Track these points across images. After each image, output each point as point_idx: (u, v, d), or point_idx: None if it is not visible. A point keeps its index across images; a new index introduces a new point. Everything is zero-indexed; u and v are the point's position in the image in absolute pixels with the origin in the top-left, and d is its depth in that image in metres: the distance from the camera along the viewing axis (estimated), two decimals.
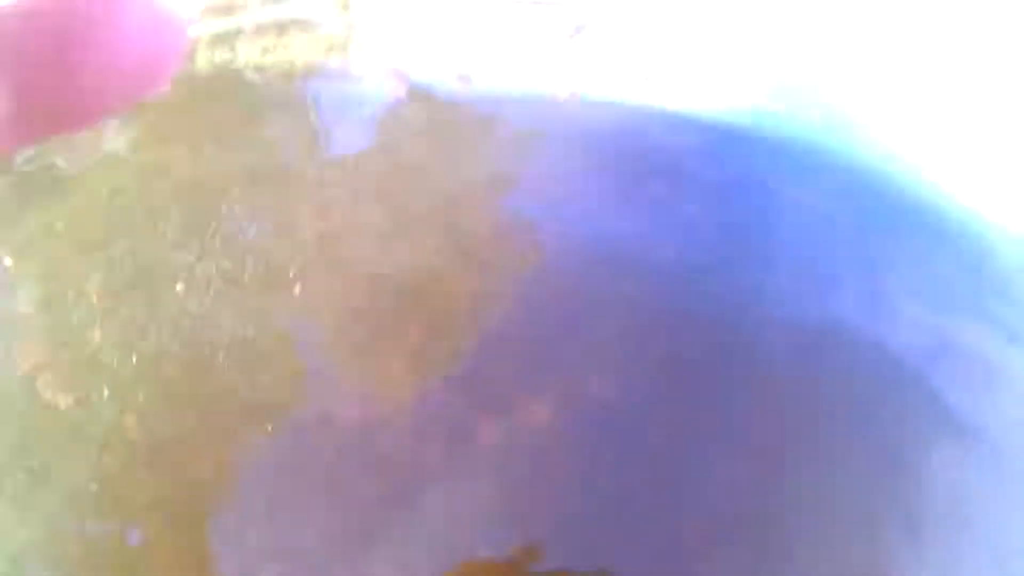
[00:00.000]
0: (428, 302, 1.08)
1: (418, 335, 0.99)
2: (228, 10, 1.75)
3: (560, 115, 1.55)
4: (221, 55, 1.67)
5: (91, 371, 0.78)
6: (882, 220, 1.25)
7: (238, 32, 1.57)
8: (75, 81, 0.24)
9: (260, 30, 1.71)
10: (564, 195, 1.33)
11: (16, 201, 1.07)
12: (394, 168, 1.31)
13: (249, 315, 0.81)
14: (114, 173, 1.23)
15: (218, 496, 0.69)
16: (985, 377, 0.97)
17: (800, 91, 1.73)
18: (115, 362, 0.78)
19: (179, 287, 0.86)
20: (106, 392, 0.74)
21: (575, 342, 1.16)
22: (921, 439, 0.93)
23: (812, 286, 1.22)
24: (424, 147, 1.33)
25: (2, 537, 0.68)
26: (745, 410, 1.02)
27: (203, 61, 1.56)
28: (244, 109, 1.37)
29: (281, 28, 1.91)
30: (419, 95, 1.44)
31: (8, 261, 0.93)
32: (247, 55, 1.77)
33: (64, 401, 0.76)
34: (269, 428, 0.75)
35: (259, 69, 1.68)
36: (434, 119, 1.45)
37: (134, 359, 0.77)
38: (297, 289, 0.86)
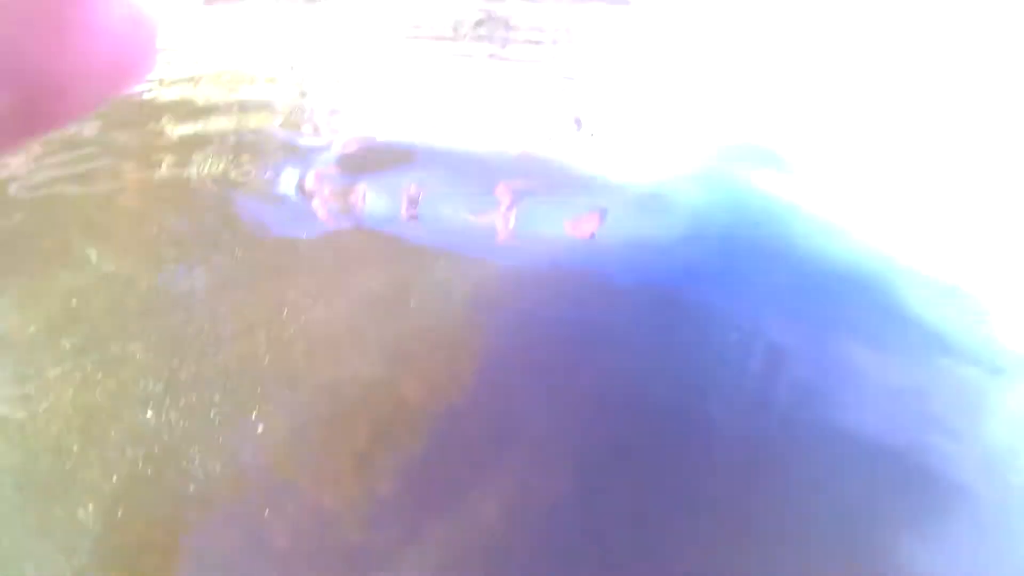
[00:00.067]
0: (376, 408, 1.44)
1: (367, 438, 1.34)
2: (196, 115, 2.16)
3: (500, 245, 2.08)
4: (188, 164, 2.07)
5: (74, 484, 1.04)
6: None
7: (204, 142, 1.97)
8: (48, 77, 0.21)
9: (222, 142, 2.12)
10: (504, 306, 1.80)
11: None
12: (344, 283, 1.76)
13: (216, 450, 1.12)
14: (83, 280, 1.49)
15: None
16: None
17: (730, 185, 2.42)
18: (97, 476, 1.05)
19: (149, 414, 1.15)
20: (91, 506, 1.02)
21: (519, 442, 1.51)
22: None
23: (757, 370, 1.64)
24: (373, 265, 1.77)
25: None
26: (697, 500, 1.35)
27: (167, 168, 1.93)
28: (205, 217, 1.72)
29: (243, 107, 2.36)
30: (369, 219, 1.93)
31: None
32: (210, 166, 2.17)
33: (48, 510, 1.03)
34: (229, 520, 1.06)
35: (219, 180, 2.09)
36: (382, 241, 1.90)
37: (114, 479, 1.03)
38: (260, 428, 1.19)
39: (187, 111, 2.64)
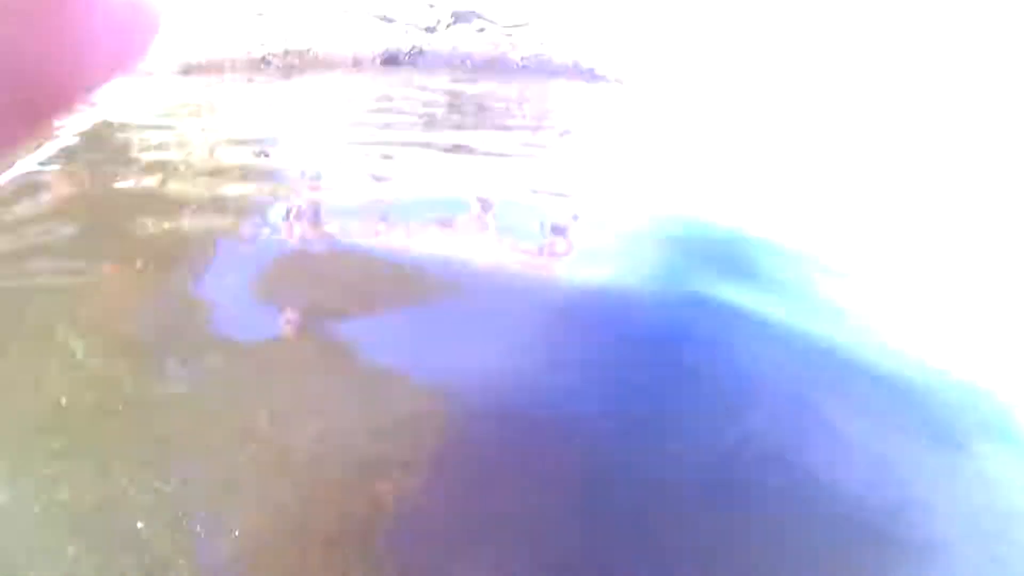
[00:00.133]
0: (343, 478, 1.60)
1: (336, 518, 1.49)
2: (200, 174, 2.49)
3: (477, 286, 2.31)
4: (166, 259, 2.35)
5: None
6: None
7: (181, 239, 2.25)
8: (46, 71, 0.22)
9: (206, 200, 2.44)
10: (477, 367, 2.00)
11: None
12: (314, 349, 1.99)
13: (206, 563, 1.27)
14: (70, 377, 1.67)
15: None
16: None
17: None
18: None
19: (140, 525, 1.30)
20: None
21: (495, 513, 1.68)
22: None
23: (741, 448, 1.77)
24: (345, 367, 1.98)
25: None
26: (666, 559, 1.50)
27: (145, 263, 2.18)
28: (184, 316, 1.91)
29: (218, 203, 2.67)
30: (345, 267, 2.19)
31: None
32: (195, 223, 2.49)
33: None
34: None
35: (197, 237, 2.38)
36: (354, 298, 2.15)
37: None
38: (248, 538, 1.35)
39: (162, 207, 2.79)
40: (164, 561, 1.14)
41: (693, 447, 1.68)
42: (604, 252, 2.54)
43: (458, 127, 5.30)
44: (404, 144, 4.47)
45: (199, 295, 2.17)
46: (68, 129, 4.57)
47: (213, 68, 10.24)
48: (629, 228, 2.71)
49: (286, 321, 1.95)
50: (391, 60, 11.11)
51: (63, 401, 1.58)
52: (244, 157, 3.73)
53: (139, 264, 2.31)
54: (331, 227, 2.76)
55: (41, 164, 3.71)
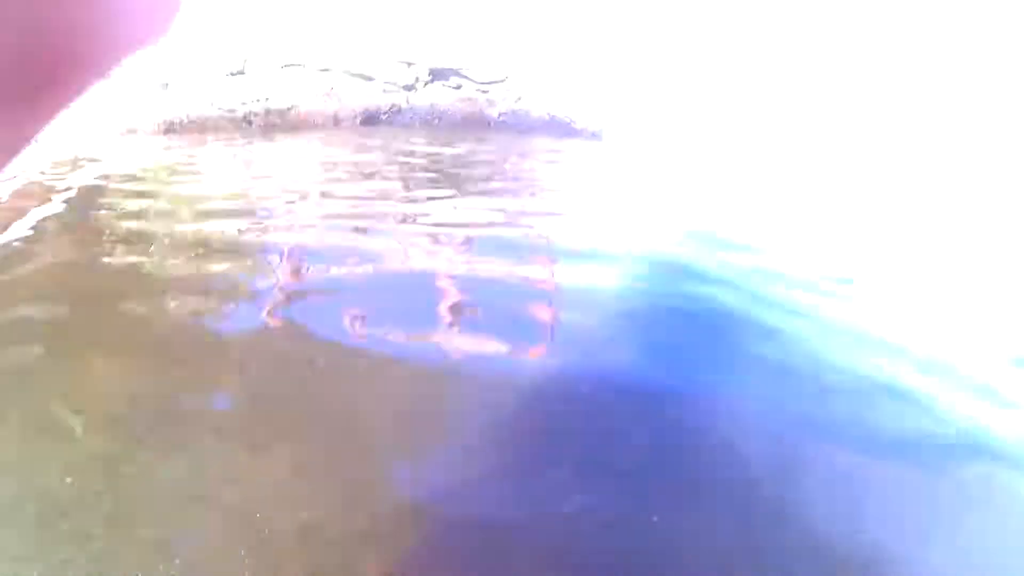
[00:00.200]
0: (315, 551, 1.66)
1: None
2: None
3: (457, 379, 2.36)
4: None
5: None
6: None
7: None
8: (62, 41, 0.22)
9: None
10: (453, 464, 2.04)
11: None
12: (290, 416, 2.04)
13: None
14: (73, 456, 1.72)
15: None
16: None
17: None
18: None
19: None
20: None
21: None
22: None
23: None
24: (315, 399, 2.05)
25: None
26: None
27: (133, 340, 2.26)
28: (172, 397, 1.96)
29: (207, 286, 2.76)
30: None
31: None
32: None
33: None
34: None
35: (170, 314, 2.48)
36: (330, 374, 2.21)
37: None
38: None
39: (146, 285, 2.86)
40: None
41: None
42: (582, 338, 2.64)
43: (438, 190, 5.41)
44: (384, 213, 4.57)
45: (186, 379, 2.23)
46: (56, 195, 4.65)
47: (195, 127, 10.40)
48: (606, 307, 2.81)
49: (266, 412, 2.01)
50: (370, 119, 11.41)
51: (68, 480, 1.64)
52: (226, 228, 3.80)
53: (126, 345, 2.38)
54: (310, 311, 2.80)
55: (29, 229, 3.77)
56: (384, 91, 10.99)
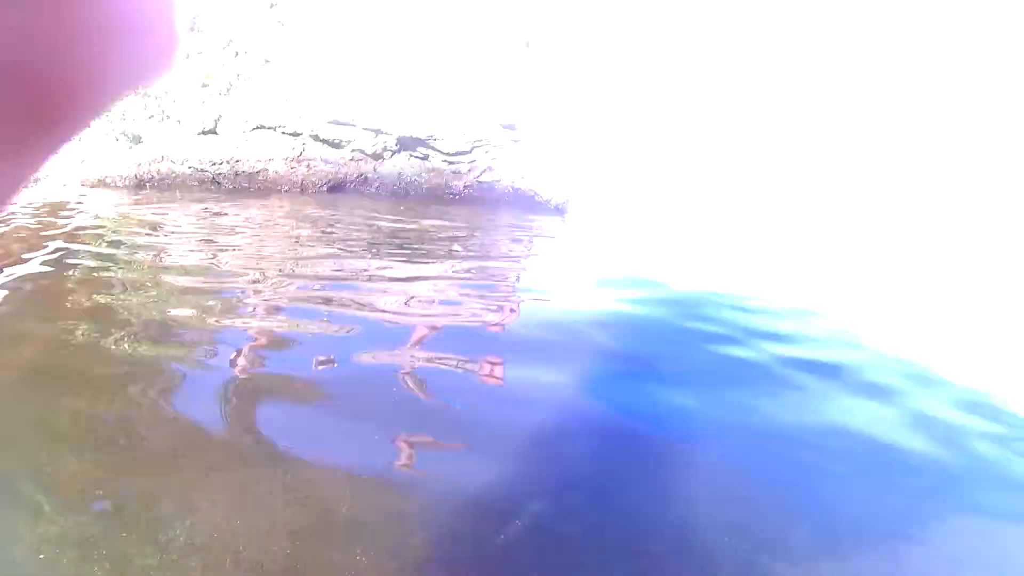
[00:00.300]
0: None
1: None
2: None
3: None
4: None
5: None
6: None
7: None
8: (55, 76, 0.22)
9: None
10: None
11: None
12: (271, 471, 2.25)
13: None
14: (45, 532, 1.89)
15: None
16: None
17: None
18: None
19: None
20: None
21: None
22: None
23: None
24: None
25: None
26: None
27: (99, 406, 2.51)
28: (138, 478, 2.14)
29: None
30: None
31: None
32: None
33: None
34: None
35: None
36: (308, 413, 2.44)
37: None
38: None
39: (114, 330, 3.02)
40: None
41: None
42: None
43: (402, 257, 5.60)
44: (348, 277, 4.74)
45: (153, 423, 2.39)
46: (28, 253, 4.77)
47: (165, 184, 10.51)
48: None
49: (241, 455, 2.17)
50: (337, 187, 11.72)
51: (42, 556, 1.77)
52: (192, 283, 3.97)
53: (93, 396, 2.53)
54: (274, 360, 2.97)
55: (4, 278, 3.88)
56: (352, 158, 11.23)
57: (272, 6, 12.40)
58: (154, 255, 5.13)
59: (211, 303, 3.82)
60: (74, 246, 5.29)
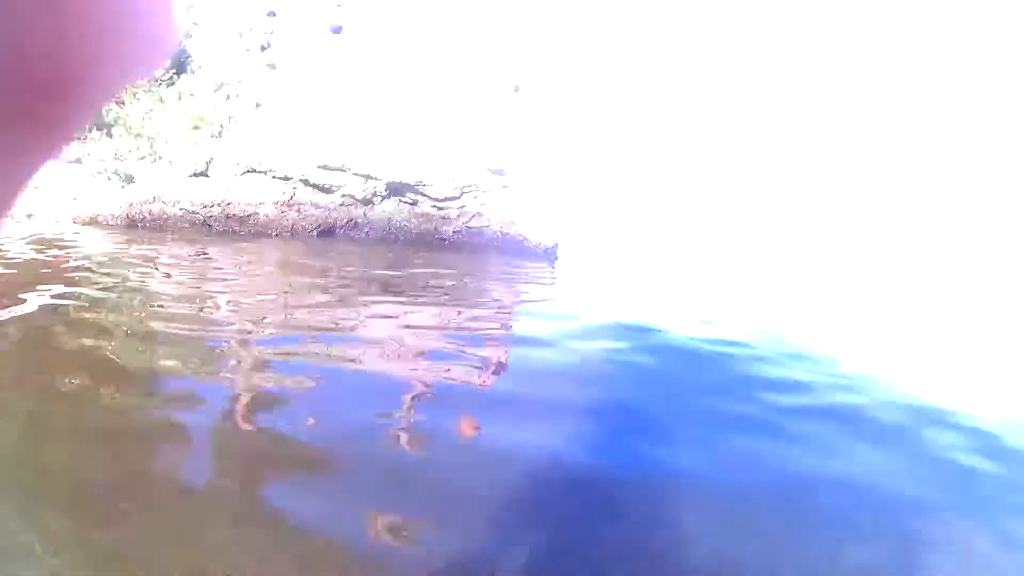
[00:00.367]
0: None
1: None
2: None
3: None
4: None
5: None
6: None
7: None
8: (53, 68, 0.22)
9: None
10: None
11: None
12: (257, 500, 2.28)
13: None
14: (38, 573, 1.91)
15: None
16: None
17: None
18: None
19: None
20: None
21: None
22: None
23: None
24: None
25: None
26: None
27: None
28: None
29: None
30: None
31: None
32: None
33: None
34: None
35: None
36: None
37: None
38: None
39: (105, 381, 3.05)
40: None
41: None
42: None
43: (392, 306, 5.65)
44: (336, 328, 4.78)
45: (140, 479, 2.41)
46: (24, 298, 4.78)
47: (156, 224, 10.55)
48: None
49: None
50: (327, 232, 11.89)
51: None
52: (181, 330, 4.00)
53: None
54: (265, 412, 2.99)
55: None
56: (342, 203, 11.34)
57: (264, 50, 12.64)
58: (144, 299, 5.16)
59: (200, 354, 3.84)
60: (66, 288, 5.31)
